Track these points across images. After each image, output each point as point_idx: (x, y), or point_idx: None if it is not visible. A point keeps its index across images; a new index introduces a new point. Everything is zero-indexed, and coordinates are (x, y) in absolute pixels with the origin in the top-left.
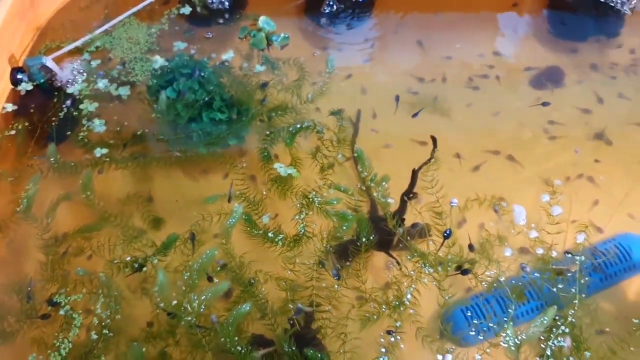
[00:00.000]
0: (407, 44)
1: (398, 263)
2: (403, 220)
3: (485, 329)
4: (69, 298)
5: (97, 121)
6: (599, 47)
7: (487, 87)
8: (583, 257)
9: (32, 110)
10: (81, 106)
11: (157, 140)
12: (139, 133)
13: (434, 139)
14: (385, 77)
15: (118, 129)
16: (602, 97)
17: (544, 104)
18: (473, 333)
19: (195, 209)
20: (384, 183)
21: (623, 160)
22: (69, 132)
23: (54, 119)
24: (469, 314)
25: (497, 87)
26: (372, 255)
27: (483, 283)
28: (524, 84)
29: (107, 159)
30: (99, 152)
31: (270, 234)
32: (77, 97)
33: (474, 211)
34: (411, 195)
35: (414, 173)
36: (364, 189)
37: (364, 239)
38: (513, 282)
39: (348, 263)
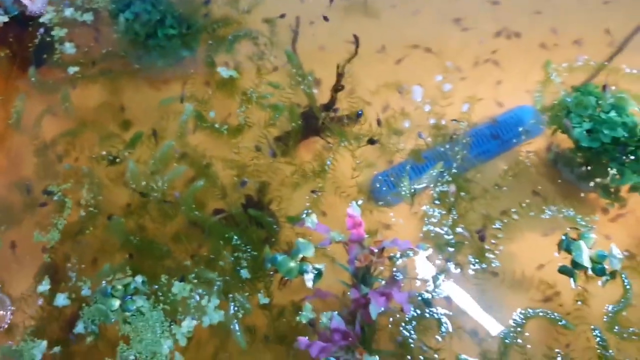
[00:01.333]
0: None
1: (328, 142)
2: (334, 109)
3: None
4: (60, 187)
5: (67, 44)
6: None
7: None
8: (465, 123)
9: (11, 40)
10: (53, 33)
11: (120, 57)
12: (104, 52)
13: (356, 38)
14: None
15: (86, 49)
16: None
17: None
18: (391, 194)
19: (158, 113)
20: (309, 77)
21: (524, 45)
22: (45, 56)
23: (30, 45)
24: (391, 177)
25: None
26: (309, 140)
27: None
28: None
29: (80, 76)
30: (71, 70)
31: (216, 125)
32: (49, 25)
33: (383, 94)
34: (339, 87)
35: (338, 68)
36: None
37: (292, 124)
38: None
39: (286, 145)
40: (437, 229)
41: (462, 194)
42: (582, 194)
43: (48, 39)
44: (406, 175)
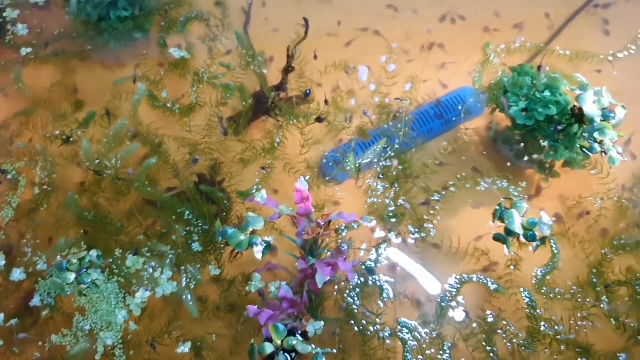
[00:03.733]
0: None
1: (278, 121)
2: (284, 89)
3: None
4: (14, 166)
5: (20, 26)
6: None
7: None
8: (408, 101)
9: None
10: (4, 14)
11: (72, 39)
12: (56, 33)
13: (306, 21)
14: None
15: (39, 31)
16: None
17: None
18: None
19: (111, 93)
20: (259, 58)
21: (468, 28)
22: None
23: None
24: (338, 155)
25: None
26: (260, 119)
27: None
28: None
29: (32, 57)
30: (24, 51)
31: (168, 105)
32: (1, 6)
33: (331, 75)
34: (290, 68)
35: (289, 50)
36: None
37: (243, 103)
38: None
39: (237, 124)
40: (381, 202)
41: (401, 167)
42: (520, 170)
43: (0, 20)
44: (352, 151)
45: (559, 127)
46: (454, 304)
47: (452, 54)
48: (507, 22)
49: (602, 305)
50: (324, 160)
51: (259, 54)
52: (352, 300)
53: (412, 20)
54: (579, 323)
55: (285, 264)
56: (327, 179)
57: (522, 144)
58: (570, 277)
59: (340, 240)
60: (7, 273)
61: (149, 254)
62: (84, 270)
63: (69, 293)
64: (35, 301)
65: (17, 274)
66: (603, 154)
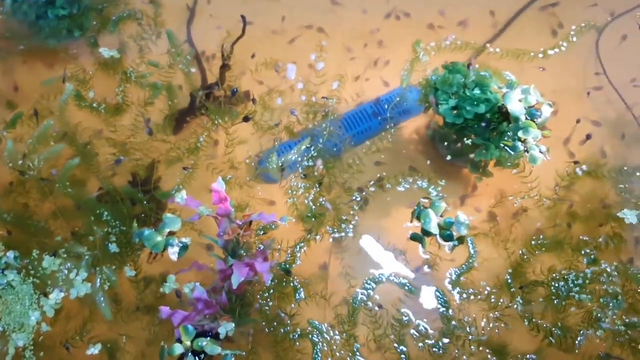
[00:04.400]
0: None
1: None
2: (212, 87)
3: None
4: None
5: None
6: None
7: None
8: (334, 99)
9: None
10: None
11: (6, 39)
12: None
13: (243, 18)
14: None
15: None
16: None
17: None
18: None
19: (40, 93)
20: (187, 57)
21: (413, 26)
22: None
23: None
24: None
25: None
26: (190, 118)
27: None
28: None
29: None
30: None
31: (94, 105)
32: None
33: (263, 73)
34: (225, 67)
35: (223, 48)
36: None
37: (169, 103)
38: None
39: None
40: (302, 202)
41: (322, 167)
42: (456, 169)
43: None
44: (274, 151)
45: (490, 126)
46: (369, 304)
47: (395, 51)
48: (451, 20)
49: (515, 306)
50: (260, 162)
51: (189, 52)
52: (264, 302)
53: (357, 18)
54: (492, 324)
55: (212, 263)
56: (254, 177)
57: (458, 143)
58: (490, 277)
59: (261, 241)
60: None
61: (65, 255)
62: (0, 271)
63: None
64: None
65: None
66: (525, 152)
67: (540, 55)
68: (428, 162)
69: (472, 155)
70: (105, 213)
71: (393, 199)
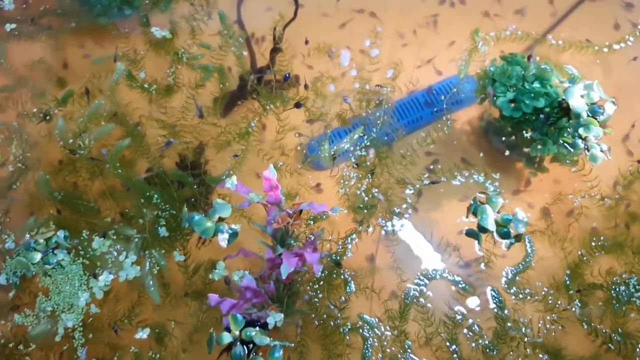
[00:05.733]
0: None
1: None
2: (264, 72)
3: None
4: None
5: (6, 0)
6: None
7: None
8: (389, 88)
9: None
10: None
11: (58, 15)
12: (42, 9)
13: (296, 1)
14: None
15: (24, 6)
16: None
17: None
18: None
19: (92, 71)
20: (240, 39)
21: (468, 13)
22: None
23: None
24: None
25: None
26: (241, 102)
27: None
28: None
29: (16, 33)
30: (8, 27)
31: (145, 85)
32: None
33: (315, 58)
34: (276, 50)
35: (275, 31)
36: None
37: (221, 86)
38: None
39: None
40: (354, 192)
41: (375, 157)
42: (510, 163)
43: None
44: (327, 139)
45: (548, 121)
46: (422, 300)
47: (449, 39)
48: (508, 8)
49: (574, 309)
50: (310, 149)
51: (240, 34)
52: (314, 293)
53: (411, 3)
54: (548, 326)
55: (261, 250)
56: (306, 164)
57: (513, 136)
58: (545, 277)
59: (311, 231)
60: None
61: (115, 237)
62: (50, 250)
63: (34, 273)
64: (1, 280)
65: None
66: (586, 150)
67: (605, 50)
68: (481, 154)
69: (527, 150)
70: (155, 196)
71: (446, 191)
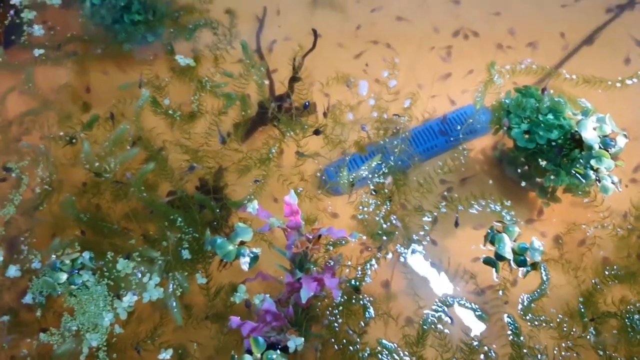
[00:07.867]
0: None
1: (280, 131)
2: (285, 99)
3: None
4: (18, 164)
5: (36, 27)
6: None
7: None
8: (406, 117)
9: None
10: (22, 15)
11: (84, 41)
12: (69, 35)
13: (314, 32)
14: None
15: (52, 33)
16: None
17: None
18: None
19: (117, 96)
20: (261, 68)
21: (481, 45)
22: (13, 37)
23: (0, 26)
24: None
25: None
26: (260, 129)
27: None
28: None
29: (44, 58)
30: (37, 52)
31: (170, 112)
32: (19, 7)
33: (333, 87)
34: (295, 78)
35: (295, 60)
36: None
37: (242, 113)
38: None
39: (236, 133)
40: (372, 218)
41: (392, 184)
42: (523, 192)
43: (18, 20)
44: (345, 165)
45: (561, 152)
46: (439, 326)
47: (463, 69)
48: (521, 40)
49: (588, 337)
50: (328, 174)
51: (261, 64)
52: (333, 318)
53: (424, 34)
54: (563, 353)
55: (279, 274)
56: (324, 189)
57: (527, 166)
58: (559, 305)
59: (330, 256)
60: (3, 269)
61: (139, 259)
62: (76, 271)
63: (59, 293)
64: (27, 299)
65: (13, 271)
66: (597, 182)
67: (618, 85)
68: (492, 182)
69: (540, 180)
70: (179, 219)
71: (460, 218)
